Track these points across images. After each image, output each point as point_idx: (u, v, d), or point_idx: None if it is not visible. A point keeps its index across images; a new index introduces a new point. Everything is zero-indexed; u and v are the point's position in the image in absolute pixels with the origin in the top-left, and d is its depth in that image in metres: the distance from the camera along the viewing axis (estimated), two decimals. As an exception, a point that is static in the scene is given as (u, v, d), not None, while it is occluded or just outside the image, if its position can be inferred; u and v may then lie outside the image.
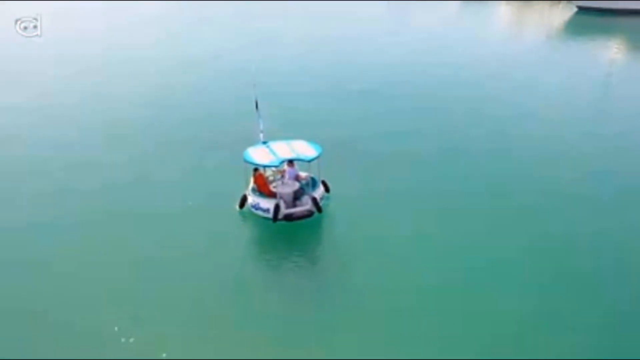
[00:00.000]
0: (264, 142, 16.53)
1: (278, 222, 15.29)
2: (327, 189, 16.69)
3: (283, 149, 15.89)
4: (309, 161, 15.51)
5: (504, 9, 59.45)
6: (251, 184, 16.21)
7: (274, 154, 15.61)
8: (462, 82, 29.81)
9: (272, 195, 15.79)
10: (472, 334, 11.14)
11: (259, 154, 15.70)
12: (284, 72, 31.89)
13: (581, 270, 13.32)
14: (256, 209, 15.70)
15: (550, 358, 10.47)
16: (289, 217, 15.41)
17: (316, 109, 25.45)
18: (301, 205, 15.76)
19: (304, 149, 15.88)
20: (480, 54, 36.76)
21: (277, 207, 15.16)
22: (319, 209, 15.62)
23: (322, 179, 16.58)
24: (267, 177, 16.66)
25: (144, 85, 29.77)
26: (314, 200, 15.56)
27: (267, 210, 15.34)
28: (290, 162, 16.04)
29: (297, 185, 16.20)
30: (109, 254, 14.14)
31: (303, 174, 16.75)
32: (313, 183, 16.32)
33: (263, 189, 15.97)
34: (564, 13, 53.27)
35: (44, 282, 13.09)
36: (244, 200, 16.16)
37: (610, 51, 37.94)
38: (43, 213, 16.19)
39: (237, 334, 11.31)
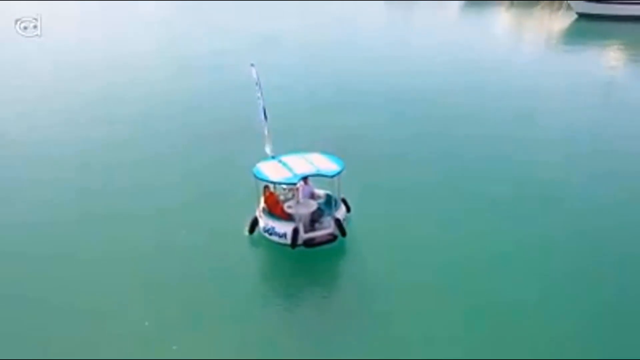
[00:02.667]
0: (273, 157, 14.36)
1: (297, 249, 13.12)
2: (348, 209, 14.56)
3: (299, 164, 13.59)
4: (332, 177, 13.25)
5: (504, 15, 58.74)
6: (262, 205, 14.04)
7: (289, 169, 13.35)
8: (466, 86, 29.08)
9: (285, 216, 13.63)
10: (477, 333, 10.66)
11: (271, 170, 13.43)
12: (285, 75, 30.45)
13: (581, 270, 12.81)
14: (270, 233, 13.44)
15: (554, 358, 10.01)
16: (309, 243, 13.23)
17: (320, 118, 23.73)
18: (322, 228, 13.59)
19: (324, 163, 13.60)
20: (482, 60, 36.03)
21: (295, 231, 12.98)
22: (343, 232, 13.48)
23: (341, 196, 14.44)
24: (278, 196, 14.52)
25: (145, 89, 28.58)
26: (337, 221, 13.43)
27: (284, 236, 13.13)
28: (305, 178, 13.87)
29: (315, 205, 14.04)
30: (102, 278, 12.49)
31: (319, 192, 14.67)
32: (333, 202, 14.15)
33: (275, 210, 13.82)
34: (564, 19, 52.75)
35: (40, 280, 12.45)
36: (254, 223, 13.94)
37: (610, 56, 37.31)
38: (43, 212, 15.60)
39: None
